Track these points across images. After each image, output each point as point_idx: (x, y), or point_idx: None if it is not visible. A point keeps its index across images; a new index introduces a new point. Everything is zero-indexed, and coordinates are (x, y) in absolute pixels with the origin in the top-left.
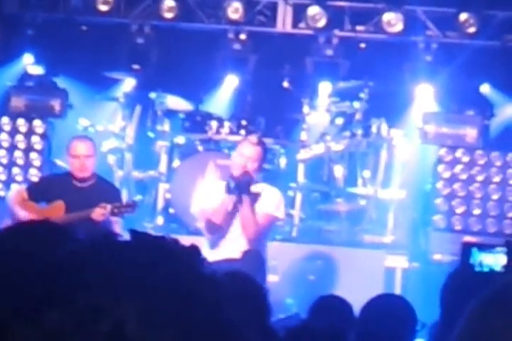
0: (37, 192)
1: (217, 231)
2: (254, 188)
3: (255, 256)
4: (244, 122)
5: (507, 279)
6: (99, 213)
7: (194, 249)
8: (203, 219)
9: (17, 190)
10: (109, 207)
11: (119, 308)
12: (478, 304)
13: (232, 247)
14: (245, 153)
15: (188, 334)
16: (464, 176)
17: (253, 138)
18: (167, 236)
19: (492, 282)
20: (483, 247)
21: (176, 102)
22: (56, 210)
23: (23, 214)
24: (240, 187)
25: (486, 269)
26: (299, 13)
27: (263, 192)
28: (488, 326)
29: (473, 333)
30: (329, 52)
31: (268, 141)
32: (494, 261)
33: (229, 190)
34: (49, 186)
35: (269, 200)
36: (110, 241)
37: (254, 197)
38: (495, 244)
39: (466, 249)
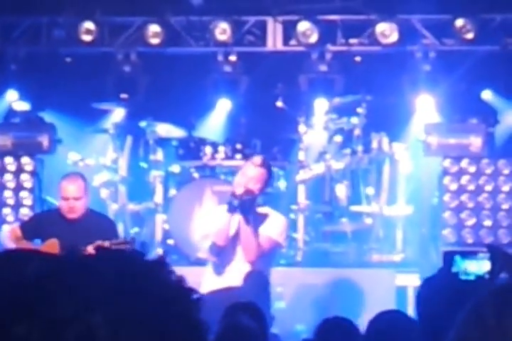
0: (30, 230)
1: (221, 253)
2: (260, 209)
3: (258, 281)
4: (239, 146)
5: (502, 283)
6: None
7: (159, 259)
8: (207, 245)
9: (10, 228)
10: (106, 244)
11: (85, 318)
12: (474, 309)
13: (237, 271)
14: (247, 173)
15: (158, 338)
16: (471, 187)
17: (257, 159)
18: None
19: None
20: (465, 254)
21: (167, 130)
22: (50, 248)
23: None
24: (243, 206)
25: (471, 277)
26: (289, 30)
27: (269, 216)
28: (492, 329)
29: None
30: (323, 67)
31: None
32: (478, 267)
33: (231, 209)
34: (41, 223)
35: (274, 225)
36: (75, 256)
37: (260, 218)
38: (478, 250)
39: (448, 257)
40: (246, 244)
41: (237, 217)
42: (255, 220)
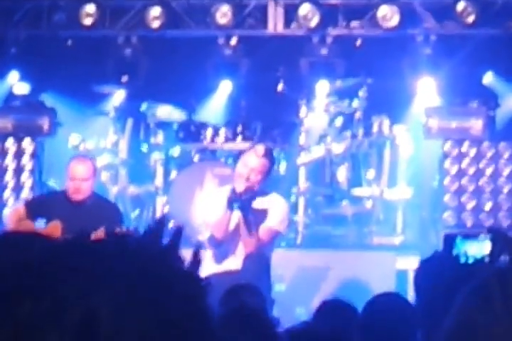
0: (34, 210)
1: (220, 245)
2: (261, 204)
3: (258, 264)
4: (239, 128)
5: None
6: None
7: (170, 245)
8: (207, 233)
9: (14, 208)
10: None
11: (88, 298)
12: (477, 291)
13: (236, 263)
14: (249, 163)
15: (161, 322)
16: (471, 170)
17: (260, 149)
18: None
19: (476, 271)
20: (467, 236)
21: (168, 113)
22: (53, 230)
23: None
24: (243, 206)
25: (471, 260)
26: (290, 13)
27: (270, 209)
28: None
29: (472, 321)
30: (324, 51)
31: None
32: (479, 249)
33: (232, 207)
34: (46, 204)
35: (274, 214)
36: (81, 239)
37: (260, 215)
38: (479, 231)
39: (449, 239)
40: (246, 241)
41: (238, 213)
42: (256, 217)
